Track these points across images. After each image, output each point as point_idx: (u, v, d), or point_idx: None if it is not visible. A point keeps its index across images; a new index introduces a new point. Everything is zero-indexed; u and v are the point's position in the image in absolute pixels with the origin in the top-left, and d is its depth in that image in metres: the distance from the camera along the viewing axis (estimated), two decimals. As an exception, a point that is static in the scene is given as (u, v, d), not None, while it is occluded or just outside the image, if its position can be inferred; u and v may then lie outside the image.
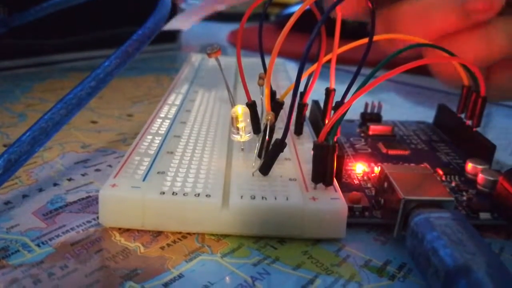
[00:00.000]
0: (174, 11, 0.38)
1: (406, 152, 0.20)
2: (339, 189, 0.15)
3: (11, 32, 0.29)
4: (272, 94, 0.18)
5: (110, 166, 0.19)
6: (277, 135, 0.15)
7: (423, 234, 0.13)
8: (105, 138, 0.22)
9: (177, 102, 0.22)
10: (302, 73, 0.14)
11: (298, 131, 0.19)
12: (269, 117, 0.15)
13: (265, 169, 0.15)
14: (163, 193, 0.14)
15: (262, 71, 0.18)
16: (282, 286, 0.13)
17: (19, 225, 0.15)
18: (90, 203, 0.16)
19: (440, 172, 0.18)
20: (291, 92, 0.15)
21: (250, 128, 0.17)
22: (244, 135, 0.16)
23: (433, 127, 0.23)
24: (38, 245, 0.14)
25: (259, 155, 0.16)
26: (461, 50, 0.20)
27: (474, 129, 0.20)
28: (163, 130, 0.19)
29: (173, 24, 0.15)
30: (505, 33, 0.20)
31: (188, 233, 0.15)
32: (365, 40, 0.17)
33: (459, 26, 0.20)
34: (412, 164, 0.19)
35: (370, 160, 0.19)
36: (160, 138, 0.18)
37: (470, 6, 0.19)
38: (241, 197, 0.14)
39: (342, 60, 0.20)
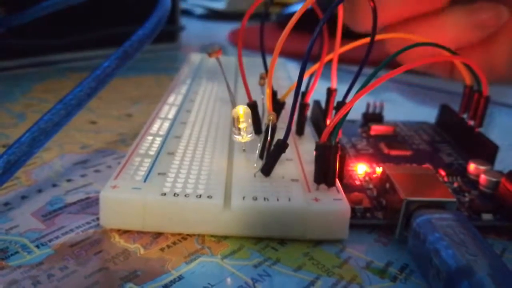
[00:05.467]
0: (174, 10, 0.38)
1: (408, 153, 0.20)
2: (341, 190, 0.15)
3: (10, 32, 0.29)
4: (273, 94, 0.18)
5: (109, 167, 0.19)
6: (279, 135, 0.15)
7: (425, 235, 0.13)
8: (104, 139, 0.22)
9: (177, 102, 0.22)
10: (304, 73, 0.14)
11: (300, 132, 0.19)
12: (271, 118, 0.15)
13: (267, 170, 0.15)
14: (164, 194, 0.14)
15: (263, 70, 0.18)
16: (283, 288, 0.13)
17: (18, 226, 0.15)
18: (89, 204, 0.16)
19: (442, 172, 0.18)
20: (292, 92, 0.15)
21: (251, 128, 0.17)
22: (245, 135, 0.16)
23: (435, 128, 0.23)
24: (37, 246, 0.14)
25: (261, 156, 0.16)
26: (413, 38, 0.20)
27: (477, 130, 0.20)
28: (163, 131, 0.18)
29: None
30: (457, 23, 0.20)
31: (188, 235, 0.15)
32: (367, 39, 0.17)
33: (412, 13, 0.20)
34: (414, 165, 0.19)
35: (371, 161, 0.19)
36: (160, 138, 0.18)
37: None
38: (243, 198, 0.14)
39: (343, 60, 0.20)
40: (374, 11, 0.16)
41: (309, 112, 0.20)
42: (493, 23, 0.20)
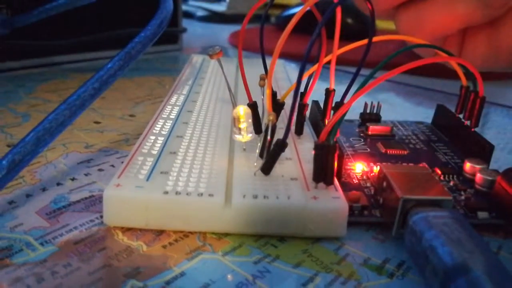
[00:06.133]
0: (176, 12, 0.39)
1: (405, 152, 0.20)
2: (339, 188, 0.15)
3: (15, 33, 0.29)
4: (273, 94, 0.18)
5: (113, 166, 0.19)
6: (278, 135, 0.15)
7: (421, 232, 0.13)
8: (107, 138, 0.22)
9: (179, 102, 0.22)
10: (303, 74, 0.14)
11: (299, 131, 0.19)
12: (271, 118, 0.15)
13: (266, 169, 0.16)
14: (167, 192, 0.14)
15: (263, 72, 0.18)
16: (283, 284, 0.13)
17: (22, 224, 0.15)
18: (93, 202, 0.16)
19: (439, 171, 0.18)
20: (291, 93, 0.15)
21: (251, 128, 0.17)
22: (245, 135, 0.17)
23: (431, 127, 0.23)
24: (42, 244, 0.14)
25: (261, 155, 0.16)
26: (425, 18, 0.20)
27: (473, 129, 0.20)
28: (165, 131, 0.19)
29: None
30: (466, 1, 0.20)
31: (190, 232, 0.15)
32: (365, 41, 0.17)
33: None
34: (411, 164, 0.19)
35: (369, 160, 0.19)
36: (162, 138, 0.18)
37: None
38: (244, 196, 0.14)
39: (341, 61, 0.20)
40: (372, 13, 0.16)
41: (308, 112, 0.20)
42: (502, 2, 0.20)
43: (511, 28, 0.21)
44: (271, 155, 0.15)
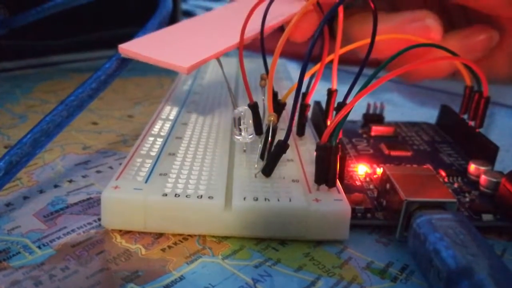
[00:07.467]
0: (175, 11, 0.38)
1: (409, 153, 0.20)
2: (342, 190, 0.15)
3: (12, 33, 0.29)
4: (274, 95, 0.18)
5: (111, 167, 0.19)
6: (279, 136, 0.15)
7: (425, 235, 0.13)
8: (105, 140, 0.22)
9: (179, 103, 0.22)
10: (304, 74, 0.14)
11: (300, 132, 0.19)
12: (272, 118, 0.15)
13: (267, 171, 0.15)
14: (166, 195, 0.14)
15: (263, 71, 0.18)
16: (284, 288, 0.13)
17: (20, 227, 0.15)
18: (91, 204, 0.16)
19: (443, 173, 0.18)
20: (293, 93, 0.15)
21: (252, 129, 0.17)
22: (246, 136, 0.16)
23: (435, 128, 0.23)
24: (39, 247, 0.14)
25: (262, 157, 0.16)
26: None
27: (477, 130, 0.20)
28: (164, 132, 0.19)
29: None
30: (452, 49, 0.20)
31: (189, 235, 0.15)
32: (367, 40, 0.17)
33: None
34: (415, 165, 0.19)
35: (372, 161, 0.19)
36: (161, 139, 0.18)
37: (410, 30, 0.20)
38: (244, 198, 0.14)
39: (344, 60, 0.20)
40: (375, 11, 0.16)
41: (309, 113, 0.20)
42: (485, 46, 0.21)
43: (503, 61, 0.22)
44: (272, 156, 0.15)
